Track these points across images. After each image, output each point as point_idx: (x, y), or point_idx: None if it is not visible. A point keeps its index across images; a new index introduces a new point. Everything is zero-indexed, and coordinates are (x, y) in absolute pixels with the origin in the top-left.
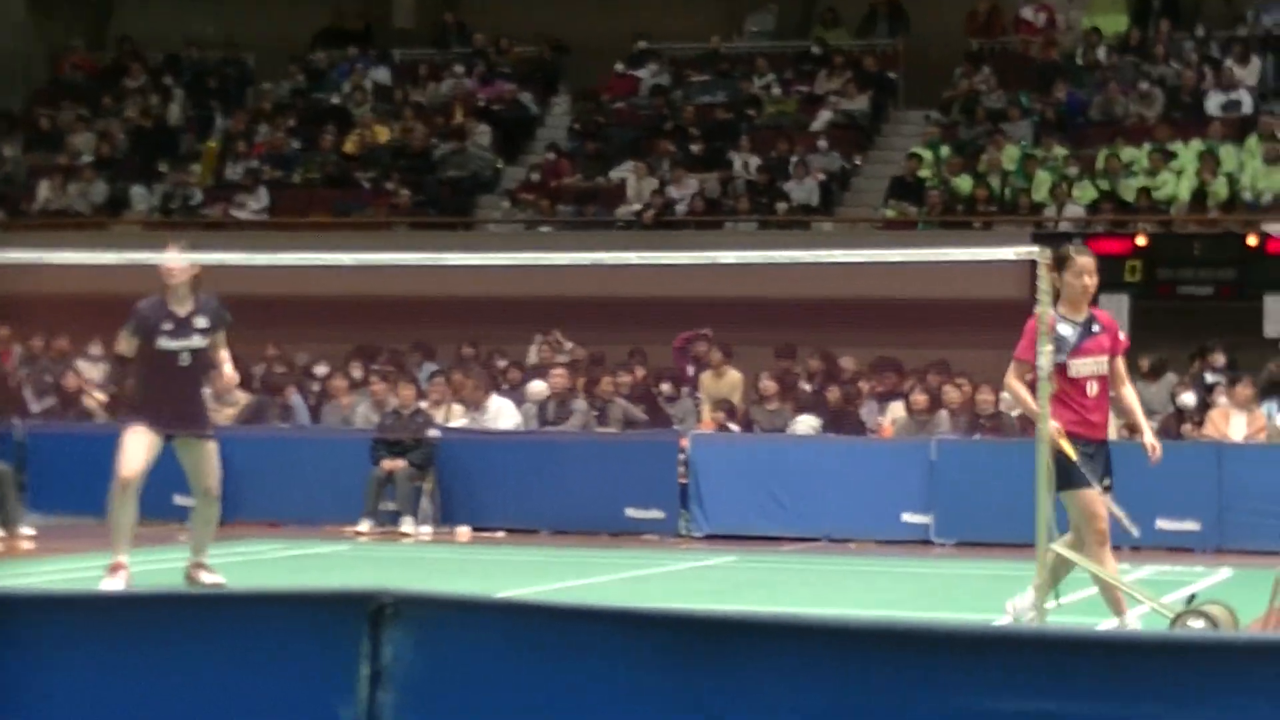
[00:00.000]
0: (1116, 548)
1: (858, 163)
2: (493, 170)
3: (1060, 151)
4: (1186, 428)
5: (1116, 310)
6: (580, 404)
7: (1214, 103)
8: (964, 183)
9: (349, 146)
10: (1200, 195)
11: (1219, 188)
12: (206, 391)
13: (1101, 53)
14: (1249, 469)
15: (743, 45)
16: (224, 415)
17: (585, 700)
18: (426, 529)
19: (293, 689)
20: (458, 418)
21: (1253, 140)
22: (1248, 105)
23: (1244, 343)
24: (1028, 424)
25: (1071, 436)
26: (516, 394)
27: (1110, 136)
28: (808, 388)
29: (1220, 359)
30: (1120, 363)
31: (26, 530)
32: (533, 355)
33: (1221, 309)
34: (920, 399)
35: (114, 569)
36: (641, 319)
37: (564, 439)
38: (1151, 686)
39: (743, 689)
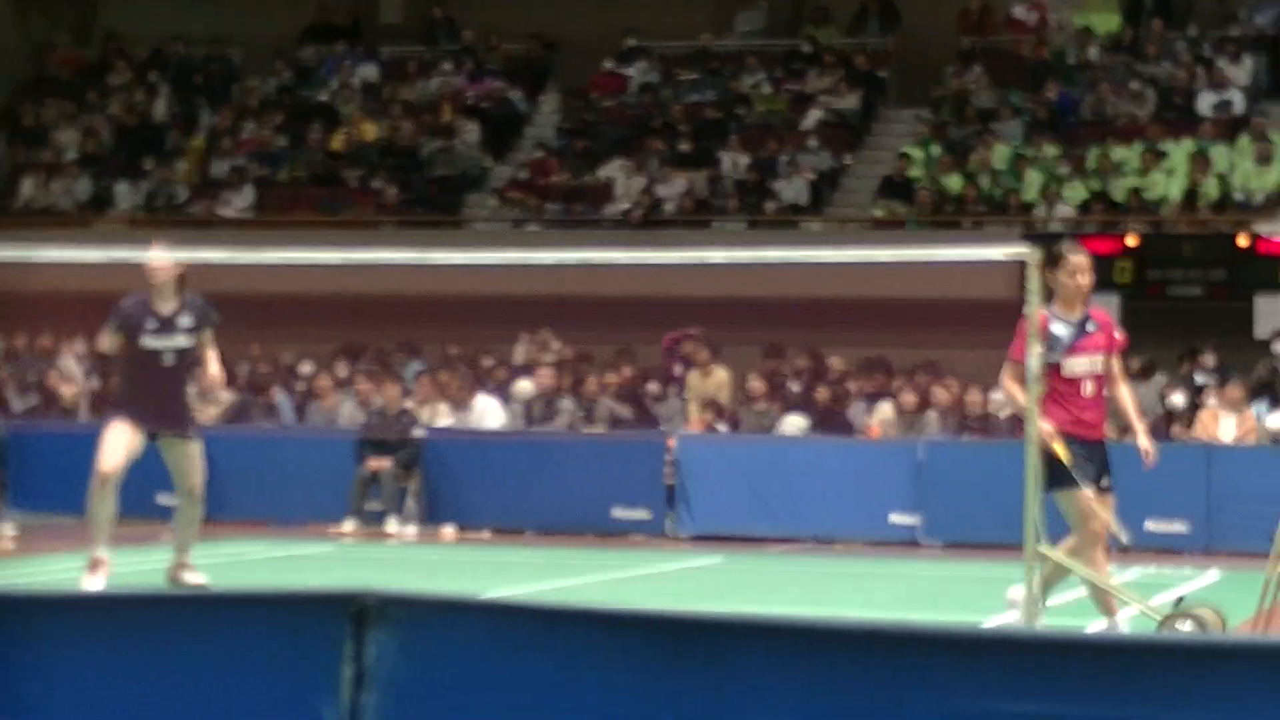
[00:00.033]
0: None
1: (847, 162)
2: (480, 168)
3: (1051, 151)
4: (1176, 429)
5: (1106, 311)
6: (567, 403)
7: (1206, 102)
8: (954, 182)
9: (336, 144)
10: (1191, 195)
11: (1210, 188)
12: (191, 391)
13: (1093, 52)
14: (1238, 470)
15: (732, 43)
16: (208, 414)
17: (571, 702)
18: (411, 529)
19: (275, 690)
20: (443, 417)
21: (1244, 140)
22: (1240, 105)
23: (1234, 344)
24: (1016, 425)
25: (1066, 436)
26: (503, 393)
27: (1101, 136)
28: (796, 388)
29: (1210, 360)
30: (1116, 362)
31: (8, 529)
32: (519, 354)
33: (1212, 310)
34: (909, 399)
35: (94, 565)
36: (629, 318)
37: (550, 439)
38: (1140, 688)
39: (730, 690)
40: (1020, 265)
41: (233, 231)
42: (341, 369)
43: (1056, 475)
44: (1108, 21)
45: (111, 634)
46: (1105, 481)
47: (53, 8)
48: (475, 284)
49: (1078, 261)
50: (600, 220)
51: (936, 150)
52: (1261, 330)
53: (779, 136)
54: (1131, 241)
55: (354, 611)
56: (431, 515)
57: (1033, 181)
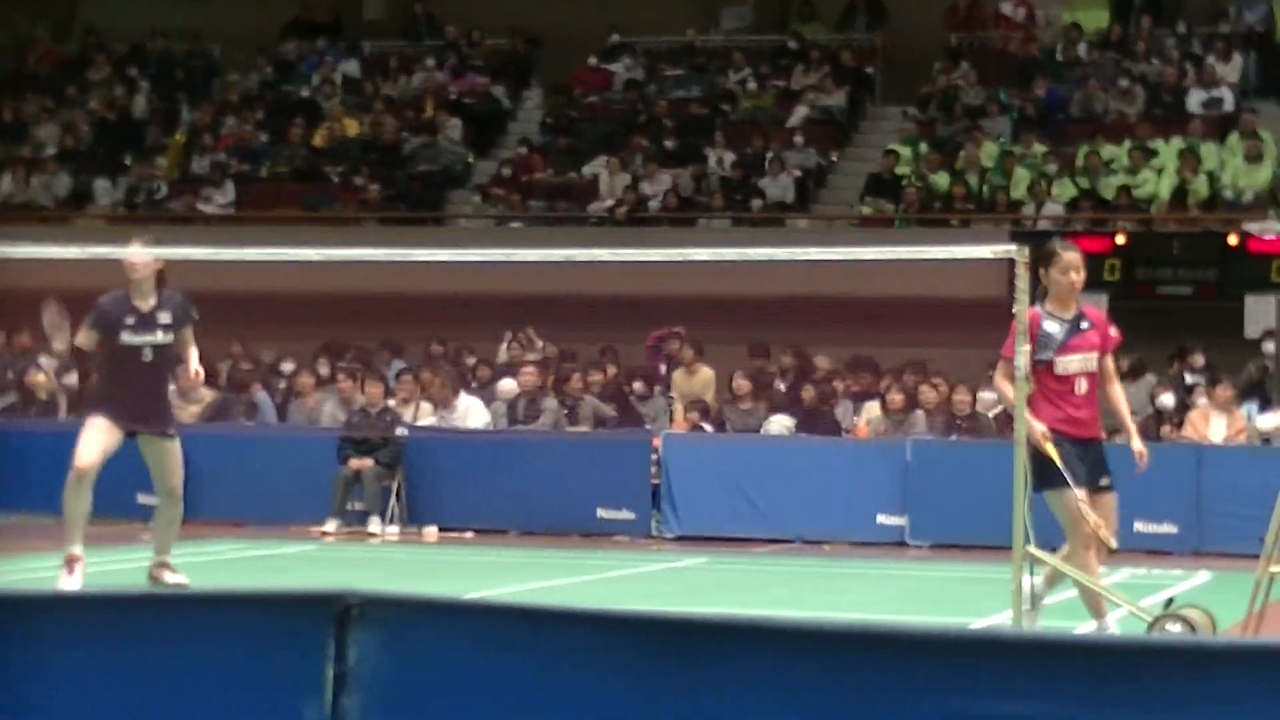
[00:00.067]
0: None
1: (834, 159)
2: (463, 165)
3: (1039, 149)
4: (1165, 429)
5: (1100, 309)
6: (551, 403)
7: (1195, 100)
8: (942, 180)
9: (318, 140)
10: (1181, 194)
11: (1200, 186)
12: (172, 389)
13: (1082, 49)
14: (1228, 471)
15: (718, 39)
16: (189, 413)
17: (554, 703)
18: (394, 529)
19: (257, 691)
20: (426, 416)
21: (1234, 138)
22: (1229, 103)
23: (1224, 343)
24: (1005, 424)
25: (1058, 435)
26: (486, 392)
27: (1090, 134)
28: (782, 387)
29: (1200, 360)
30: (1110, 360)
31: None
32: (502, 353)
33: (1201, 309)
34: (896, 399)
35: (69, 563)
36: (614, 317)
37: (534, 438)
38: (1129, 690)
39: (714, 692)
40: (1008, 264)
41: (213, 228)
42: (323, 367)
43: (1047, 475)
44: (1096, 18)
45: (111, 634)
46: (1105, 480)
47: (32, 3)
48: (458, 282)
49: (1070, 259)
50: (584, 218)
51: (924, 148)
52: (1251, 330)
53: (765, 134)
54: (1120, 240)
55: (336, 612)
56: (414, 515)
57: (1021, 179)
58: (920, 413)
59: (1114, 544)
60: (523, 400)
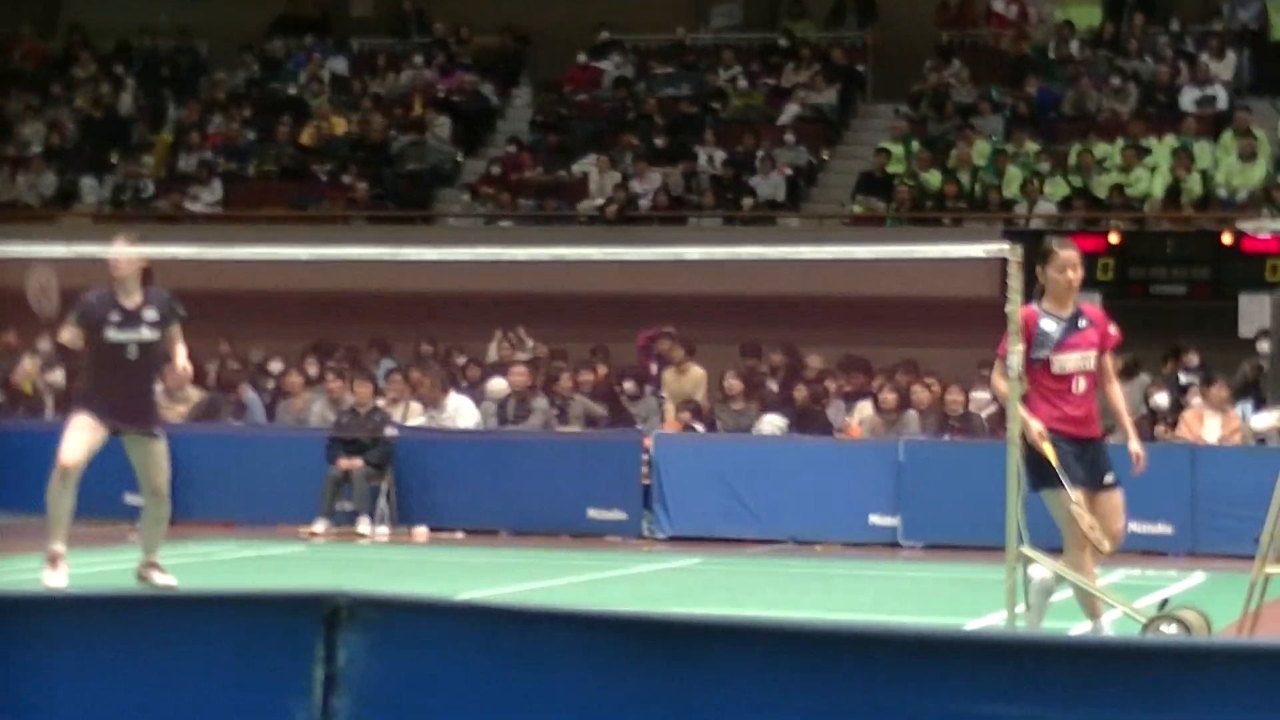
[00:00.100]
0: None
1: (825, 157)
2: (452, 163)
3: (1032, 147)
4: (1160, 429)
5: (1099, 307)
6: (541, 402)
7: (1189, 98)
8: (933, 178)
9: (305, 138)
10: (1174, 192)
11: (1193, 185)
12: (159, 388)
13: (1074, 46)
14: (1223, 471)
15: (708, 37)
16: (176, 412)
17: (545, 705)
18: (383, 529)
19: (246, 692)
20: (416, 416)
21: (1228, 136)
22: (1223, 101)
23: (1218, 343)
24: (998, 424)
25: (1055, 434)
26: (476, 392)
27: (1083, 132)
28: (774, 387)
29: (1194, 359)
30: (1109, 359)
31: None
32: (492, 353)
33: (1195, 308)
34: (888, 398)
35: (53, 560)
36: (604, 316)
37: (524, 438)
38: (1124, 692)
39: (705, 693)
40: (1001, 262)
41: (201, 227)
42: (312, 367)
43: (1043, 475)
44: (1089, 15)
45: (99, 635)
46: (1109, 478)
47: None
48: (447, 281)
49: (1067, 257)
50: (574, 216)
51: (916, 146)
52: (1246, 329)
53: (756, 132)
54: (1114, 239)
55: (325, 613)
56: (404, 516)
57: (1013, 178)
58: (913, 412)
59: (1106, 547)
60: (513, 400)
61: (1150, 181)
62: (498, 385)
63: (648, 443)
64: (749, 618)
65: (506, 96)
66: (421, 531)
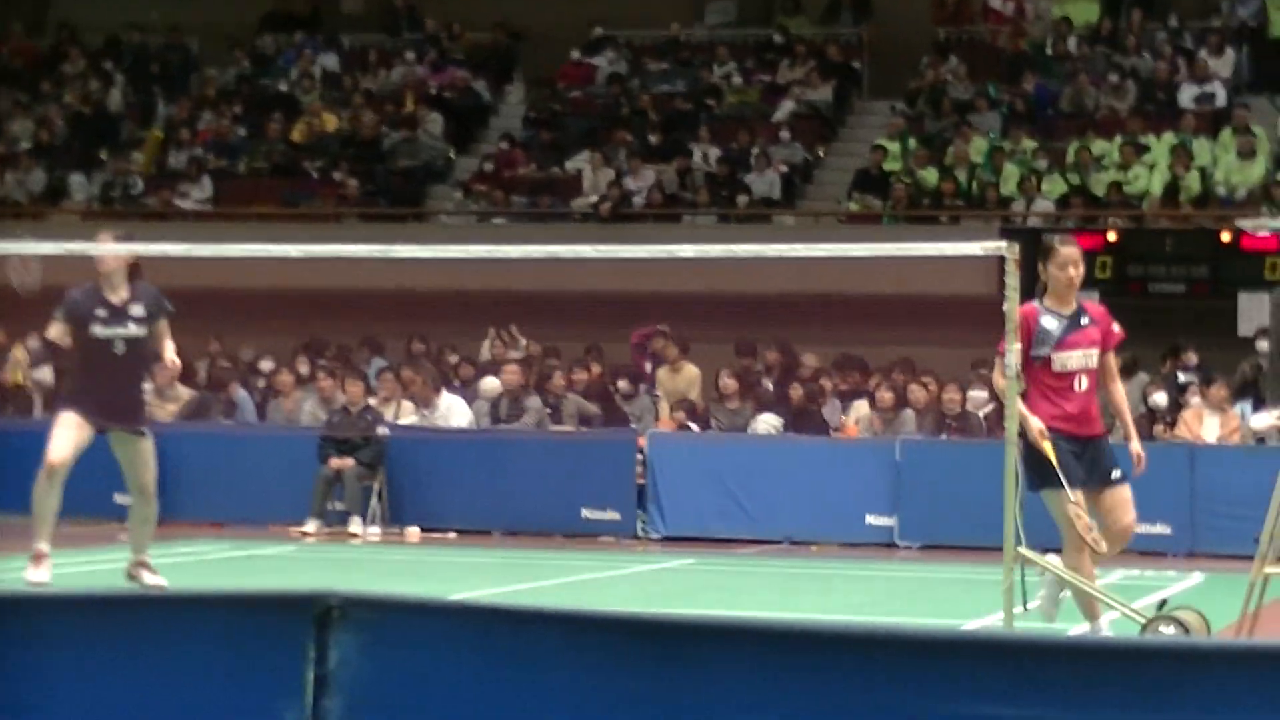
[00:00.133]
0: None
1: (821, 155)
2: (445, 160)
3: (1029, 144)
4: (1158, 428)
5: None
6: (534, 401)
7: (1187, 95)
8: (930, 176)
9: (296, 135)
10: (1172, 190)
11: (1192, 182)
12: (148, 387)
13: (1072, 43)
14: (1222, 471)
15: (703, 33)
16: (166, 411)
17: (538, 706)
18: (375, 529)
19: (236, 693)
20: (408, 415)
21: (1227, 133)
22: (1222, 98)
23: (1217, 342)
24: (995, 424)
25: (1055, 433)
26: (468, 391)
27: (1081, 129)
28: (769, 386)
29: (1193, 358)
30: (1111, 358)
31: None
32: (485, 351)
33: (1194, 307)
34: (885, 397)
35: (37, 558)
36: (598, 314)
37: (517, 437)
38: (1122, 693)
39: (700, 694)
40: (998, 260)
41: (191, 224)
42: (303, 366)
43: (1043, 474)
44: (1087, 12)
45: (87, 636)
46: (1116, 473)
47: None
48: (440, 279)
49: (1069, 253)
50: (567, 213)
51: (912, 143)
52: (1245, 328)
53: (751, 128)
54: (1112, 237)
55: (317, 613)
56: (396, 516)
57: (1011, 175)
58: (910, 412)
59: (1104, 548)
60: (506, 399)
61: (1148, 179)
62: (490, 384)
63: (642, 442)
64: (742, 618)
65: (499, 93)
66: (414, 531)
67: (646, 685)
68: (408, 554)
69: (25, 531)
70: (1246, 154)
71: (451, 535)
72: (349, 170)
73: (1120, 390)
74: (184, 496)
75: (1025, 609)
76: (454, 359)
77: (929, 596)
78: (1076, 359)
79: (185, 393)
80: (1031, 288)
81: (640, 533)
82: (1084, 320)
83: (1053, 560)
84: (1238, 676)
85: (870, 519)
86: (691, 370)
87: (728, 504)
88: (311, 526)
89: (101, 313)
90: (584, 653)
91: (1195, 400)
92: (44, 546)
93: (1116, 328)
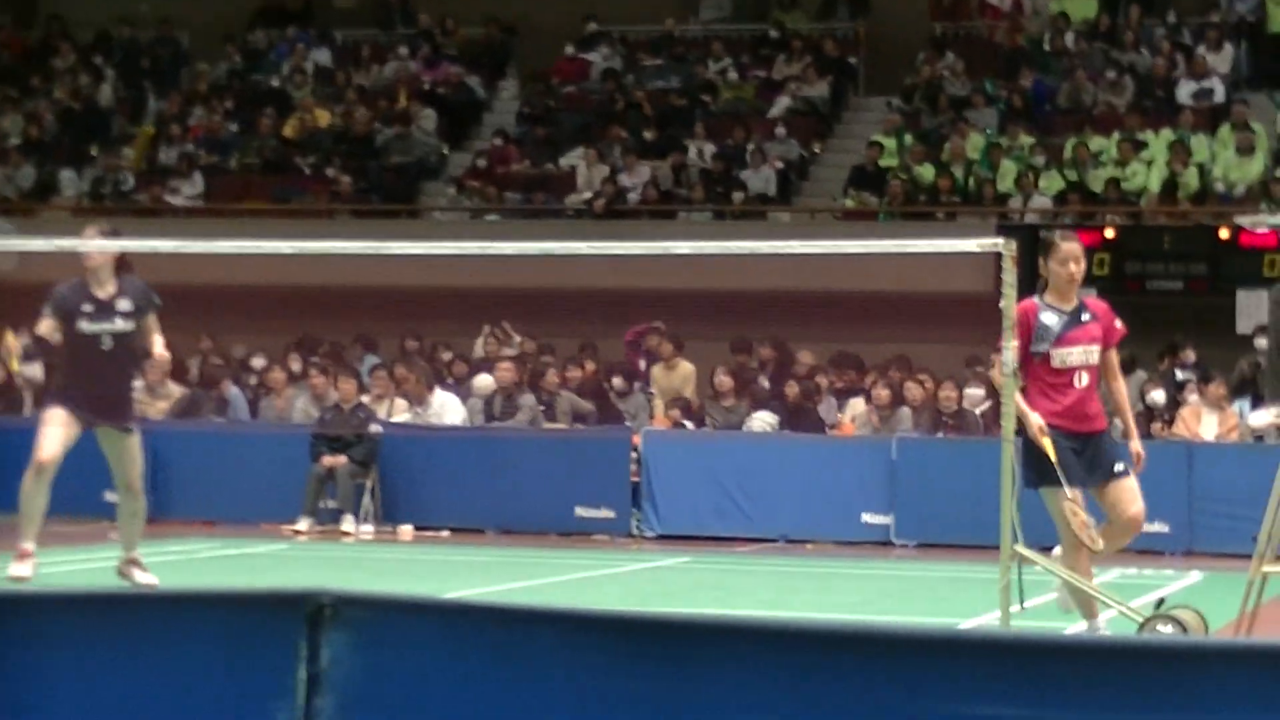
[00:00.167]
0: None
1: (817, 151)
2: (438, 156)
3: (1026, 140)
4: (1156, 426)
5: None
6: (528, 399)
7: (1185, 91)
8: (927, 172)
9: (288, 130)
10: (1171, 186)
11: (1190, 179)
12: (138, 384)
13: (1069, 39)
14: (1220, 470)
15: (698, 28)
16: (157, 408)
17: (532, 705)
18: (368, 528)
19: (228, 692)
20: (401, 413)
21: (1225, 130)
22: (1220, 94)
23: (1215, 339)
24: (992, 421)
25: (1055, 430)
26: (462, 388)
27: (1078, 125)
28: (765, 383)
29: (1191, 356)
30: (1113, 355)
31: None
32: (479, 348)
33: (1192, 304)
34: (881, 395)
35: (21, 558)
36: (592, 311)
37: (511, 435)
38: (1120, 691)
39: (695, 693)
40: (995, 257)
41: (182, 220)
42: (295, 363)
43: (1041, 472)
44: (1084, 7)
45: (81, 635)
46: (1119, 466)
47: None
48: (433, 276)
49: (1070, 249)
50: (562, 210)
51: (908, 139)
52: (1243, 325)
53: (746, 125)
54: (1110, 234)
55: (309, 612)
56: (389, 514)
57: (1008, 172)
58: (906, 409)
59: (1099, 546)
60: (499, 396)
61: (1146, 176)
62: (484, 381)
63: (637, 440)
64: (738, 617)
65: (493, 89)
66: (407, 530)
67: (641, 684)
68: (401, 552)
69: (10, 530)
70: (1245, 150)
71: (445, 533)
72: (341, 166)
73: (1122, 387)
74: (175, 494)
75: (1022, 608)
76: (447, 356)
77: (925, 595)
78: (1076, 355)
79: (176, 390)
80: (1029, 284)
81: (635, 531)
82: (1085, 316)
83: (1053, 557)
84: (1236, 675)
85: (866, 517)
86: (686, 367)
87: (723, 502)
88: (304, 524)
89: (88, 308)
90: (578, 652)
91: (1193, 398)
92: (29, 546)
93: (1119, 324)
